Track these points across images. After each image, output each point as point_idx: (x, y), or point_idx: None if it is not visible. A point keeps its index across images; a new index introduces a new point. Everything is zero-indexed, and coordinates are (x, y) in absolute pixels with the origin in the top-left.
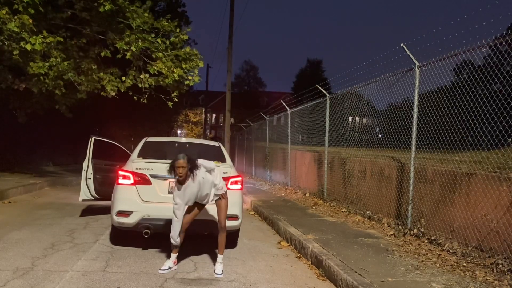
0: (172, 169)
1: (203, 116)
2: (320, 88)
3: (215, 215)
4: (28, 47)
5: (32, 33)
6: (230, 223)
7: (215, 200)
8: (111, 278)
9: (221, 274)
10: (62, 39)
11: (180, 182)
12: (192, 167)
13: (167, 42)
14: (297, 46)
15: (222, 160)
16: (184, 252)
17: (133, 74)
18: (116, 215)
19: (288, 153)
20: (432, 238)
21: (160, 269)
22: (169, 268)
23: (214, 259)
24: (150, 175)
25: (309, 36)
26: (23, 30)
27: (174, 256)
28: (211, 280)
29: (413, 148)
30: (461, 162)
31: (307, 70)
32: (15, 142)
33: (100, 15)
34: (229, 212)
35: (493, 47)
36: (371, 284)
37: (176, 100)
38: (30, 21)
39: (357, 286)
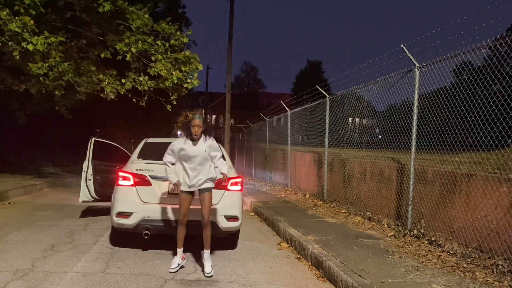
0: (187, 129)
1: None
2: (320, 89)
3: (214, 216)
4: (30, 47)
5: (34, 34)
6: (230, 224)
7: (200, 194)
8: (111, 280)
9: (211, 272)
10: (63, 39)
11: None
12: (206, 129)
13: (167, 44)
14: (297, 47)
15: None
16: (184, 253)
17: (133, 76)
18: (116, 216)
19: (288, 154)
20: (432, 239)
21: (170, 268)
22: (178, 265)
23: (213, 259)
24: (150, 176)
25: (309, 37)
26: (24, 31)
27: (180, 251)
28: (211, 282)
29: (413, 149)
30: (461, 163)
31: (307, 71)
32: (15, 143)
33: (100, 16)
34: (229, 213)
35: (492, 48)
36: (371, 285)
37: (175, 103)
38: (32, 22)
39: (357, 287)
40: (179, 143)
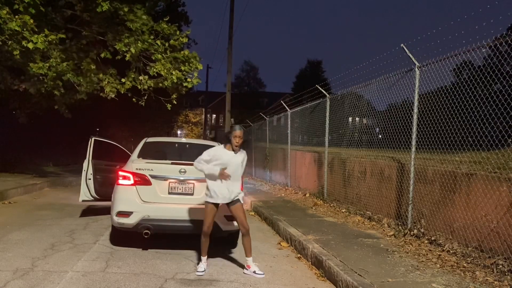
0: (227, 139)
1: (203, 116)
2: (320, 89)
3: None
4: (30, 45)
5: (34, 33)
6: (230, 224)
7: (230, 206)
8: (111, 279)
9: (262, 274)
10: (64, 36)
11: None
12: (245, 141)
13: (166, 44)
14: (297, 46)
15: None
16: (184, 252)
17: (133, 76)
18: (116, 216)
19: (288, 154)
20: (432, 238)
21: (197, 271)
22: (205, 269)
23: (213, 259)
24: (150, 175)
25: (309, 36)
26: (24, 29)
27: (204, 259)
28: (211, 281)
29: (413, 149)
30: (461, 163)
31: (307, 71)
32: (15, 143)
33: (99, 16)
34: (229, 213)
35: (493, 47)
36: (371, 284)
37: (175, 102)
38: (31, 21)
39: (357, 287)
40: (219, 152)
